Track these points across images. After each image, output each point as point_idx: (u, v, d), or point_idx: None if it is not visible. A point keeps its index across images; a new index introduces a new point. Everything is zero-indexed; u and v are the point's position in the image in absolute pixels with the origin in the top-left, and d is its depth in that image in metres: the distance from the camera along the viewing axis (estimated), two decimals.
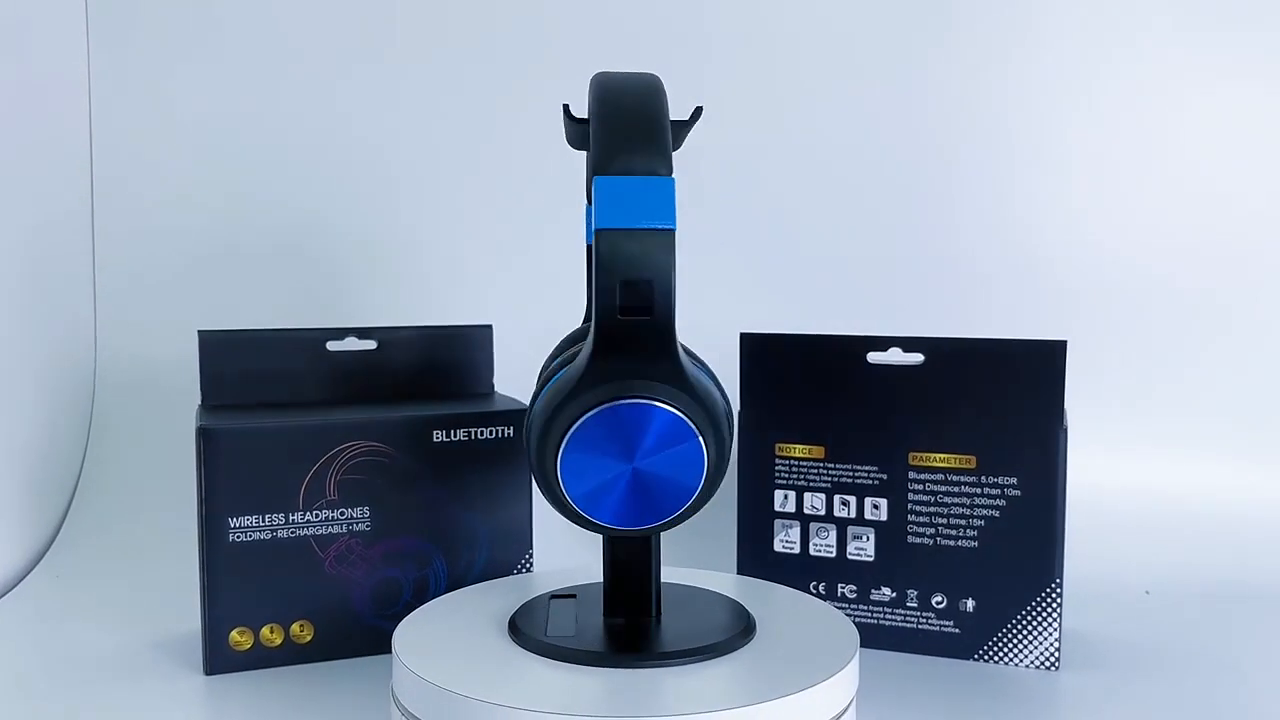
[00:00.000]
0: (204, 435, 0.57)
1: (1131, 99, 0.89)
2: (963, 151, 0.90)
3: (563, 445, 0.44)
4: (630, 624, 0.50)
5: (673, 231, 0.42)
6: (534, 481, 0.47)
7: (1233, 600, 0.72)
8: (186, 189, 0.92)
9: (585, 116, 0.48)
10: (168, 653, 0.62)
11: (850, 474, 0.63)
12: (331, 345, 0.66)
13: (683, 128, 0.48)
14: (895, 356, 0.62)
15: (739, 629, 0.49)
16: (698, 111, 0.47)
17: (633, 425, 0.43)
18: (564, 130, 0.50)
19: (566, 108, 0.49)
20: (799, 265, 0.92)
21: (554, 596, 0.54)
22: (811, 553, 0.64)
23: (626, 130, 0.44)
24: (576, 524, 0.46)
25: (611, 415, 0.43)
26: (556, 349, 0.55)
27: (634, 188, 0.42)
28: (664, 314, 0.42)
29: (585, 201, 0.59)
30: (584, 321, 0.60)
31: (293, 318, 0.90)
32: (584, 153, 0.59)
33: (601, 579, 0.56)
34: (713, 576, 0.59)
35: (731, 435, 0.46)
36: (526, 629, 0.49)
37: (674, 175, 0.43)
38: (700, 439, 0.44)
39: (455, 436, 0.62)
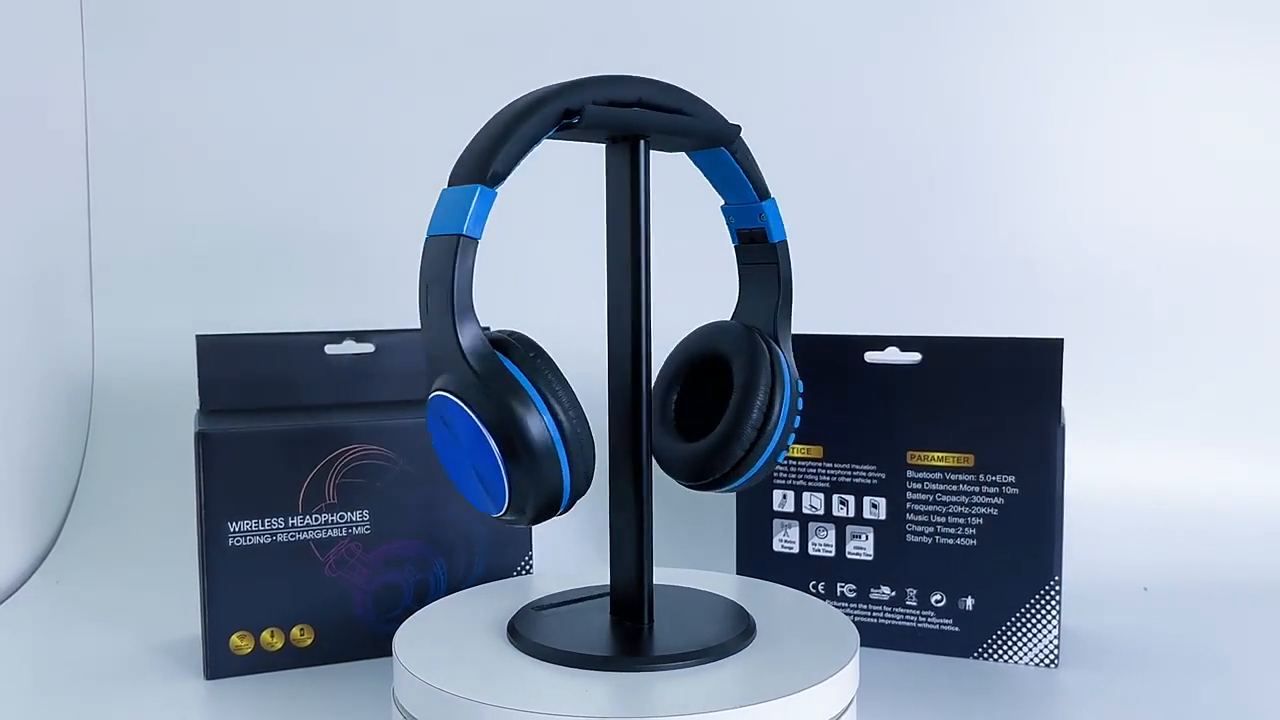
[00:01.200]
0: (202, 440, 0.57)
1: (1123, 101, 0.89)
2: (958, 153, 0.91)
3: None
4: (631, 627, 0.50)
5: (458, 236, 0.44)
6: None
7: (1230, 597, 0.72)
8: (183, 194, 0.92)
9: None
10: (168, 657, 0.62)
11: (849, 473, 0.63)
12: (330, 349, 0.66)
13: (563, 133, 0.49)
14: (893, 356, 0.62)
15: (739, 631, 0.49)
16: (569, 116, 0.47)
17: (438, 423, 0.46)
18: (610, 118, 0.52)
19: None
20: (796, 265, 0.92)
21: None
22: (810, 552, 0.64)
23: (470, 145, 0.46)
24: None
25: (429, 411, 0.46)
26: None
27: (446, 198, 0.45)
28: (442, 316, 0.45)
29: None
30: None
31: (291, 321, 0.90)
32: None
33: (596, 582, 0.57)
34: (712, 577, 0.59)
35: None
36: (526, 633, 0.49)
37: (487, 186, 0.44)
38: (483, 438, 0.44)
39: None
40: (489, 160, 0.44)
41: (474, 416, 0.44)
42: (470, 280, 0.45)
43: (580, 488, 0.46)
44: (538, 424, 0.44)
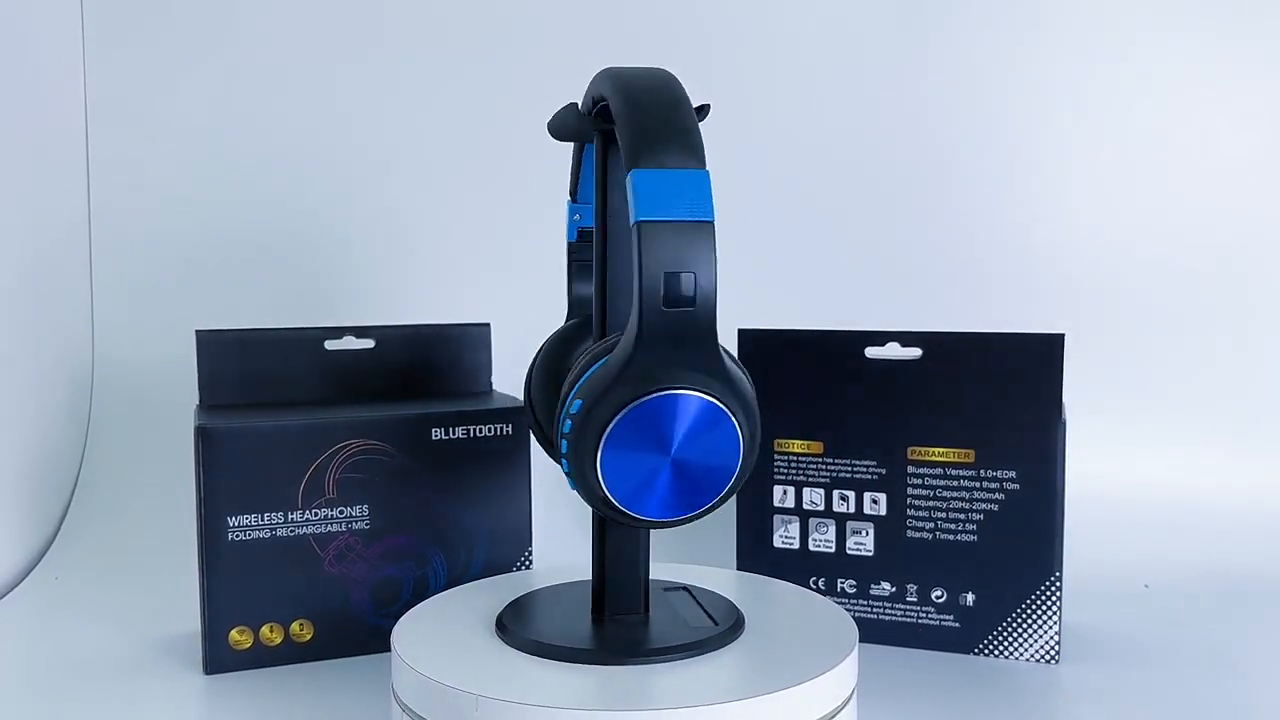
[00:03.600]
0: (202, 435, 0.57)
1: (1127, 95, 0.89)
2: (960, 147, 0.90)
3: (601, 442, 0.43)
4: (624, 621, 0.50)
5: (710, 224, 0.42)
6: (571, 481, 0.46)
7: (1231, 593, 0.72)
8: (183, 190, 0.92)
9: (587, 111, 0.50)
10: (167, 653, 0.62)
11: (849, 469, 0.63)
12: (330, 344, 0.66)
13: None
14: (893, 351, 0.62)
15: (727, 625, 0.49)
16: (704, 109, 0.47)
17: (669, 415, 0.43)
18: (556, 123, 0.50)
19: (574, 105, 0.50)
20: (797, 261, 0.92)
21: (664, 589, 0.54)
22: (811, 548, 0.64)
23: (659, 125, 0.43)
24: (617, 519, 0.45)
25: (649, 407, 0.43)
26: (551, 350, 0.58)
27: (672, 181, 0.42)
28: (705, 305, 0.42)
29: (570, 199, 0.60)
30: (567, 320, 0.60)
31: (291, 317, 0.90)
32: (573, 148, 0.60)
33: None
34: (712, 573, 0.59)
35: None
36: (519, 628, 0.49)
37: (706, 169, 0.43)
38: (734, 421, 0.44)
39: (454, 434, 0.62)
40: (696, 144, 0.43)
41: (721, 405, 0.44)
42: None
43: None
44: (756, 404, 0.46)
